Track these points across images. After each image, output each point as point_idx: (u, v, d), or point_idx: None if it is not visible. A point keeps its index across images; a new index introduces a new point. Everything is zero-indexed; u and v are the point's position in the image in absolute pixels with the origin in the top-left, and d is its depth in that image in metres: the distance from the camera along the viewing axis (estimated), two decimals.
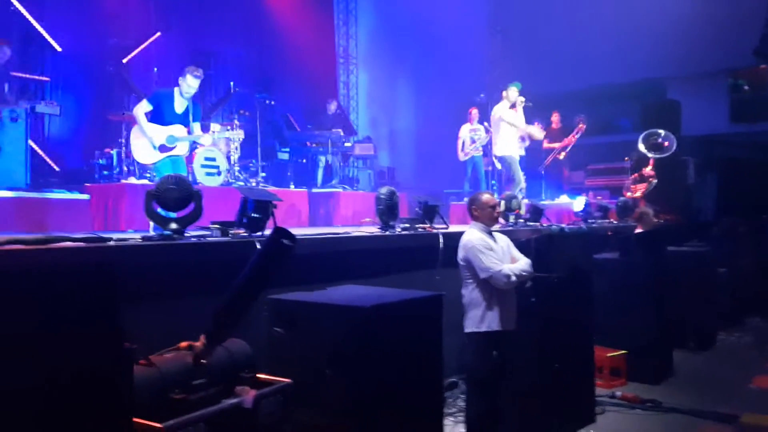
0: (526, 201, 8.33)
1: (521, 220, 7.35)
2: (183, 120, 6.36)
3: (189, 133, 6.39)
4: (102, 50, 9.82)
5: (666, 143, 10.50)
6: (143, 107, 6.30)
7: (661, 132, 10.60)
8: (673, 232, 9.32)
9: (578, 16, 13.34)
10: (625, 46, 13.08)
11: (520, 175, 8.96)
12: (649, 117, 12.15)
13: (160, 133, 6.26)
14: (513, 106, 8.91)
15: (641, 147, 10.57)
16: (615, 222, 9.22)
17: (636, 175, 10.93)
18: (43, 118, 8.86)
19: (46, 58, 9.17)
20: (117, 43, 9.83)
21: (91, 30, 9.79)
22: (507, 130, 8.85)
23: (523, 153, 11.53)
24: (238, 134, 7.85)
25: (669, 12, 12.52)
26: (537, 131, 9.76)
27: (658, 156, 10.53)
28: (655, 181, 10.57)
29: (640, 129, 11.28)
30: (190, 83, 6.28)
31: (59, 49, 8.99)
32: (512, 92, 8.88)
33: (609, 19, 13.05)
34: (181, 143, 6.31)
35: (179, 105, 6.34)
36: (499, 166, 9.93)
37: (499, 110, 8.94)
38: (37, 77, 8.82)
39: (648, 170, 10.66)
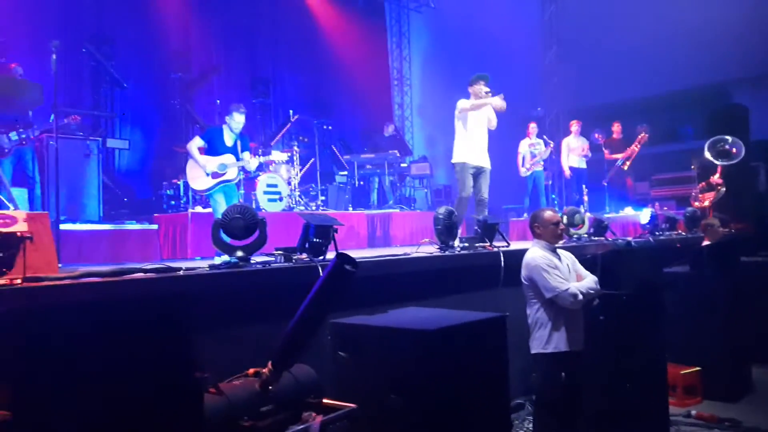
0: (588, 215, 8.15)
1: (585, 235, 7.19)
2: (233, 152, 6.79)
3: (238, 160, 6.81)
4: (166, 85, 10.25)
5: (734, 150, 10.09)
6: (196, 142, 6.80)
7: (728, 138, 10.19)
8: (745, 242, 8.91)
9: (634, 24, 13.05)
10: (686, 51, 12.69)
11: (467, 191, 7.06)
12: (715, 123, 11.68)
13: (211, 162, 6.67)
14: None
15: (708, 154, 10.19)
16: (684, 233, 8.90)
17: (703, 183, 10.54)
18: (113, 153, 9.29)
19: (116, 95, 9.62)
20: (181, 78, 10.23)
21: (155, 67, 10.25)
22: (461, 131, 7.20)
23: (584, 166, 11.37)
24: (282, 156, 8.12)
25: (728, 13, 12.10)
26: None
27: (726, 163, 10.12)
28: (724, 189, 10.16)
29: (706, 136, 10.87)
30: (236, 119, 6.75)
31: (126, 86, 9.43)
32: (478, 86, 7.20)
33: (667, 24, 12.71)
34: (230, 168, 6.71)
35: (228, 139, 6.79)
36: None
37: (459, 103, 7.25)
38: (106, 114, 9.27)
39: (716, 178, 10.26)
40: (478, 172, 7.15)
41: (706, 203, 10.13)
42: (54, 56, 5.37)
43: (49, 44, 5.44)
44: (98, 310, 2.31)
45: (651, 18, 12.85)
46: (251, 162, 6.97)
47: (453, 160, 7.24)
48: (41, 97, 6.59)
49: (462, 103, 7.20)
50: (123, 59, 9.67)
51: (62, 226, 5.72)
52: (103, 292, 3.16)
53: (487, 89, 7.17)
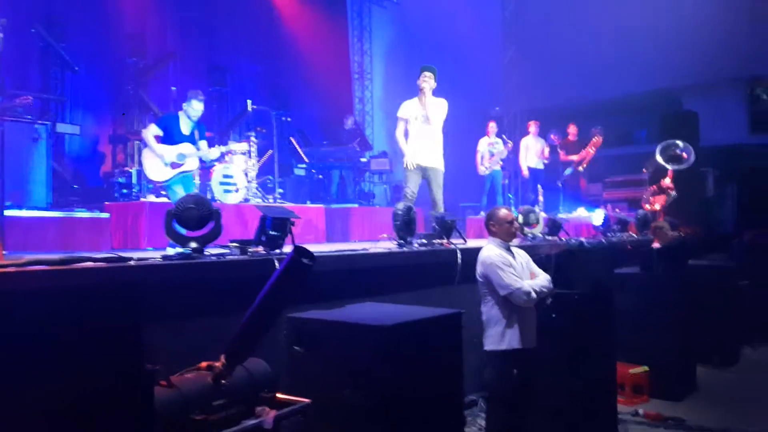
0: (543, 215, 8.27)
1: (540, 235, 7.29)
2: (190, 140, 6.65)
3: (197, 150, 6.67)
4: (120, 70, 9.97)
5: (684, 154, 10.39)
6: (152, 130, 6.63)
7: (680, 143, 10.49)
8: (693, 246, 9.19)
9: (593, 27, 13.30)
10: (641, 56, 13.02)
11: (410, 190, 6.90)
12: (667, 128, 12.03)
13: (170, 151, 6.53)
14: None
15: (659, 158, 10.46)
16: (635, 235, 9.12)
17: (654, 187, 10.82)
18: (63, 138, 8.98)
19: (66, 78, 9.30)
20: (135, 63, 9.96)
21: (109, 50, 9.95)
22: (409, 130, 6.87)
23: (541, 166, 11.55)
24: (242, 146, 7.99)
25: (684, 21, 12.44)
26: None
27: (676, 167, 10.41)
28: (674, 193, 10.45)
29: (658, 140, 11.17)
30: (195, 107, 6.61)
31: (77, 69, 9.13)
32: (421, 78, 6.81)
33: (624, 29, 12.99)
34: (190, 159, 6.58)
35: (185, 127, 6.65)
36: None
37: (401, 107, 7.00)
38: (56, 97, 8.95)
39: (667, 182, 10.54)
40: (425, 172, 6.89)
41: (657, 206, 10.40)
42: (0, 35, 5.14)
43: None
44: (45, 299, 2.21)
45: (608, 22, 13.12)
46: (211, 152, 6.86)
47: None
48: None
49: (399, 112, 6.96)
50: (75, 42, 9.35)
51: (7, 212, 5.49)
52: (50, 280, 3.04)
53: (427, 81, 6.71)
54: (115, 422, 2.21)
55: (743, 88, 14.18)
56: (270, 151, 9.28)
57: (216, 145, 7.32)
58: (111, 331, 2.26)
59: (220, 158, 7.82)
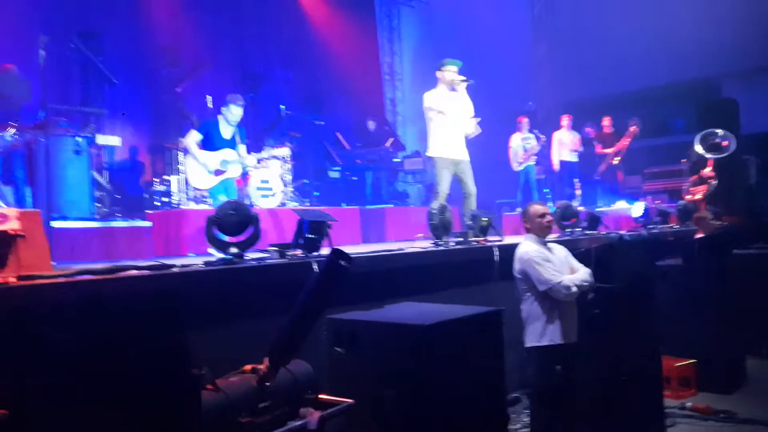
0: (582, 208, 8.17)
1: (578, 229, 7.21)
2: (231, 144, 6.69)
3: (238, 155, 6.70)
4: (156, 80, 10.17)
5: (725, 143, 10.15)
6: (194, 137, 6.67)
7: (719, 131, 10.25)
8: (737, 235, 8.96)
9: (624, 17, 13.08)
10: (677, 44, 12.74)
11: (443, 187, 6.76)
12: (706, 117, 11.76)
13: (213, 158, 6.57)
14: (453, 89, 6.85)
15: (698, 148, 10.24)
16: (676, 227, 8.94)
17: (695, 177, 10.59)
18: (103, 149, 9.20)
19: (105, 91, 9.52)
20: (170, 73, 10.15)
21: (145, 62, 10.16)
22: (438, 123, 6.77)
23: (575, 160, 11.41)
24: (283, 152, 8.06)
25: (720, 7, 12.16)
26: (473, 126, 6.92)
27: (717, 156, 10.18)
28: (715, 182, 10.21)
29: (696, 129, 10.93)
30: (233, 111, 6.64)
31: (116, 81, 9.34)
32: (448, 72, 6.78)
33: (656, 17, 12.76)
34: (233, 165, 6.64)
35: (226, 131, 6.68)
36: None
37: (428, 97, 6.83)
38: (96, 110, 9.17)
39: (707, 171, 10.31)
40: (456, 166, 6.82)
41: (698, 196, 10.18)
42: (42, 52, 5.30)
43: (36, 39, 5.36)
44: (94, 307, 2.28)
45: (642, 11, 12.89)
46: (250, 158, 6.88)
47: (429, 155, 6.94)
48: (29, 94, 6.51)
49: (429, 101, 6.81)
50: (111, 54, 9.56)
51: (54, 224, 5.67)
52: (98, 289, 3.13)
53: (462, 77, 6.78)
54: (164, 426, 2.27)
55: None
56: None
57: (252, 153, 7.36)
58: (157, 337, 2.32)
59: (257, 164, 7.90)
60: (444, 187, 6.77)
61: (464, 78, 6.81)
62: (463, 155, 6.88)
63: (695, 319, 6.24)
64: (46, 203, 5.54)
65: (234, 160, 6.59)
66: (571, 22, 13.99)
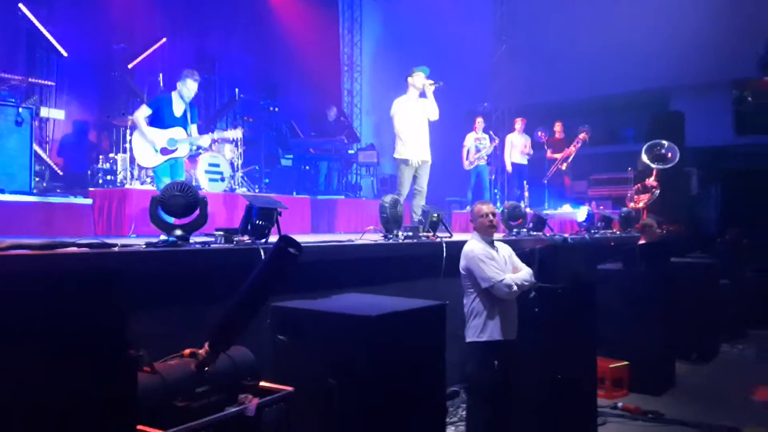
0: (529, 210, 8.33)
1: (524, 230, 7.35)
2: (182, 123, 6.48)
3: (188, 135, 6.49)
4: (108, 55, 9.86)
5: (669, 154, 10.51)
6: (143, 112, 6.43)
7: (665, 143, 10.61)
8: (676, 244, 9.30)
9: (583, 26, 13.37)
10: (630, 56, 13.10)
11: (405, 189, 7.12)
12: (654, 127, 12.16)
13: (161, 136, 6.35)
14: (423, 95, 7.18)
15: (644, 157, 10.58)
16: (618, 232, 9.21)
17: (639, 185, 10.93)
18: (47, 123, 8.89)
19: (52, 62, 9.20)
20: (123, 49, 9.86)
21: (97, 35, 9.85)
22: (405, 128, 7.08)
23: (525, 162, 11.63)
24: (236, 134, 7.91)
25: (673, 23, 12.55)
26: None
27: (661, 167, 10.53)
28: (658, 191, 10.57)
29: (644, 139, 11.29)
30: (189, 87, 6.43)
31: (65, 53, 9.02)
32: (418, 78, 7.11)
33: (614, 29, 13.07)
34: (181, 145, 6.42)
35: (178, 109, 6.47)
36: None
37: (396, 103, 7.19)
38: (42, 81, 8.84)
39: (651, 181, 10.66)
40: (419, 167, 7.16)
41: (641, 204, 10.51)
42: None
43: None
44: (27, 284, 2.20)
45: (599, 22, 13.18)
46: (203, 139, 6.68)
47: (395, 155, 7.24)
48: None
49: (395, 107, 7.17)
50: (61, 25, 9.24)
51: None
52: (33, 265, 3.03)
53: (431, 81, 7.14)
54: (98, 408, 2.21)
55: (730, 89, 14.33)
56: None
57: (207, 133, 7.18)
58: (94, 317, 2.25)
59: (209, 147, 7.74)
60: (406, 189, 7.13)
61: (433, 81, 7.15)
62: (426, 156, 7.21)
63: (631, 323, 6.45)
64: None
65: (182, 139, 6.38)
66: (531, 27, 14.22)
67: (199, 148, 7.21)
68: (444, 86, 7.31)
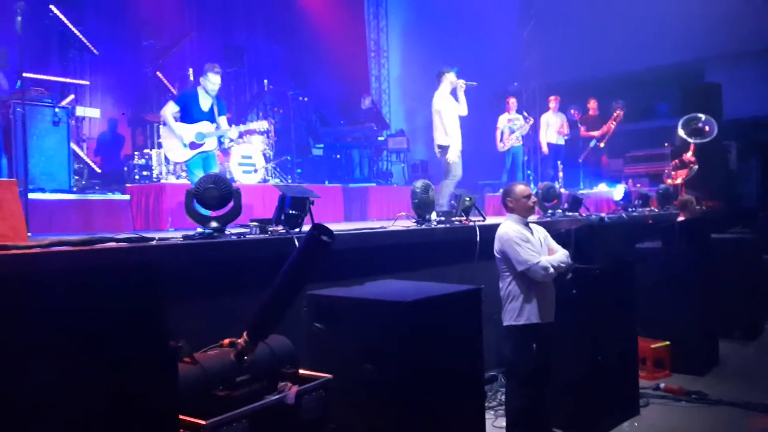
0: (564, 191, 8.21)
1: (559, 211, 7.25)
2: (209, 117, 6.54)
3: (216, 128, 6.55)
4: (137, 52, 10.00)
5: (707, 128, 10.23)
6: (170, 108, 6.51)
7: (701, 116, 10.32)
8: (716, 219, 9.07)
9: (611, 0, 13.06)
10: (662, 27, 12.74)
11: (458, 171, 7.76)
12: (689, 101, 11.82)
13: (188, 131, 6.43)
14: (453, 93, 7.84)
15: (681, 132, 10.32)
16: (656, 210, 9.03)
17: (676, 161, 10.68)
18: (83, 121, 9.07)
19: (85, 61, 9.36)
20: (152, 45, 9.99)
21: (126, 33, 9.99)
22: (446, 118, 7.74)
23: (562, 142, 11.43)
24: (262, 125, 7.94)
25: None
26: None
27: (698, 141, 10.26)
28: (696, 167, 10.31)
29: (680, 114, 10.99)
30: (212, 80, 6.46)
31: (96, 52, 9.17)
32: (451, 76, 7.79)
33: (644, 1, 12.74)
34: (209, 138, 6.49)
35: (204, 103, 6.52)
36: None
37: (437, 99, 7.85)
38: (76, 81, 9.01)
39: (689, 156, 10.39)
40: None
41: (679, 180, 10.27)
42: (19, 18, 5.18)
43: (13, 5, 5.23)
44: (69, 279, 2.25)
45: None
46: (231, 131, 6.74)
47: (441, 143, 7.76)
48: (6, 61, 6.38)
49: (438, 103, 7.77)
50: (92, 25, 9.39)
51: (31, 195, 5.58)
52: (74, 260, 3.09)
53: (463, 80, 7.74)
54: (140, 398, 2.26)
55: (766, 59, 13.86)
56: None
57: (233, 125, 7.25)
58: (135, 309, 2.29)
59: (239, 138, 7.79)
60: (459, 170, 7.77)
61: (465, 82, 7.77)
62: (460, 144, 7.83)
63: (671, 302, 6.32)
64: (23, 174, 5.44)
65: (210, 132, 6.45)
66: (558, 3, 13.93)
67: (228, 140, 7.28)
68: (474, 67, 7.31)
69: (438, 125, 7.76)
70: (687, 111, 10.78)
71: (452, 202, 6.47)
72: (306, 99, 11.41)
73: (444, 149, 7.74)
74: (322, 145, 11.27)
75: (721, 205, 10.86)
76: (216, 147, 6.63)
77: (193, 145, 6.41)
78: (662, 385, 5.76)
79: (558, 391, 4.57)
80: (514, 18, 14.55)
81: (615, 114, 11.32)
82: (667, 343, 6.26)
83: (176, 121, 6.48)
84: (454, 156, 7.71)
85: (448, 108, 7.74)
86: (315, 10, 13.08)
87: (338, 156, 11.06)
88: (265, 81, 10.46)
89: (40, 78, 7.75)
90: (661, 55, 13.17)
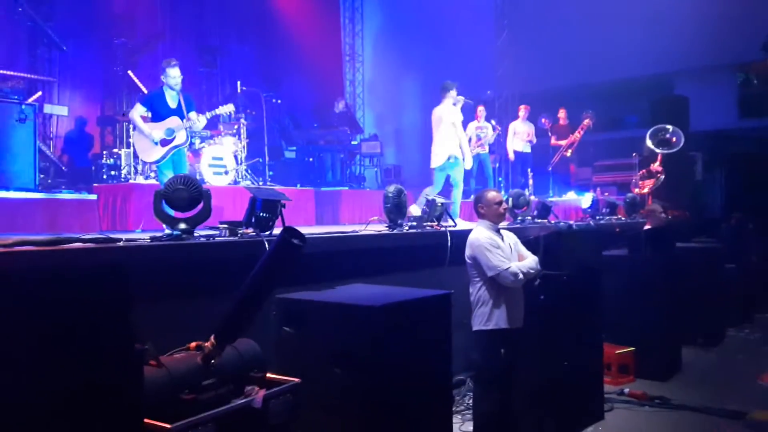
0: (533, 198, 8.31)
1: (529, 218, 7.33)
2: (178, 113, 6.44)
3: (185, 120, 6.47)
4: (109, 51, 9.86)
5: (674, 139, 10.45)
6: (138, 110, 6.46)
7: (669, 127, 10.55)
8: (681, 229, 9.27)
9: (585, 11, 13.25)
10: (633, 40, 12.97)
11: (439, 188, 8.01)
12: (658, 112, 12.08)
13: (158, 129, 6.35)
14: (455, 105, 7.96)
15: (649, 143, 10.53)
16: (623, 218, 9.19)
17: (644, 171, 10.89)
18: (50, 119, 8.91)
19: (54, 58, 9.20)
20: (124, 44, 9.86)
21: (97, 30, 9.84)
22: (448, 130, 7.83)
23: (528, 150, 11.58)
24: (228, 108, 7.82)
25: (677, 6, 12.43)
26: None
27: (665, 152, 10.48)
28: (663, 177, 10.52)
29: (649, 125, 11.22)
30: (171, 74, 6.37)
31: (65, 49, 9.02)
32: (454, 92, 7.90)
33: (616, 13, 12.96)
34: (178, 132, 6.39)
35: (171, 100, 6.44)
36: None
37: (441, 110, 7.91)
38: (44, 78, 8.85)
39: (656, 166, 10.61)
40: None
41: (646, 190, 10.47)
42: None
43: None
44: (33, 280, 2.21)
45: (600, 7, 13.06)
46: (198, 121, 6.63)
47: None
48: None
49: (445, 113, 7.76)
50: (62, 21, 9.22)
51: None
52: (38, 261, 3.04)
53: (461, 97, 7.88)
54: (104, 401, 2.22)
55: (734, 72, 14.20)
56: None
57: (200, 114, 7.09)
58: (100, 311, 2.26)
59: (210, 131, 7.65)
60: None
61: (464, 98, 7.95)
62: (458, 153, 7.88)
63: (636, 309, 6.44)
64: None
65: (178, 126, 6.36)
66: (532, 13, 14.11)
67: (199, 130, 7.12)
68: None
69: (452, 136, 7.75)
70: (655, 122, 11.01)
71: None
72: (279, 101, 11.36)
73: (457, 160, 7.81)
74: (294, 148, 11.23)
75: (686, 214, 11.10)
76: (187, 141, 6.51)
77: (164, 142, 6.31)
78: (627, 391, 5.86)
79: (524, 395, 4.62)
80: (488, 27, 14.71)
81: (583, 123, 11.50)
82: (632, 349, 6.37)
83: (146, 122, 6.39)
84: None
85: (458, 119, 7.88)
86: (290, 12, 13.04)
87: (311, 159, 11.03)
88: (239, 82, 10.39)
89: (7, 74, 7.59)
90: (632, 67, 13.42)
